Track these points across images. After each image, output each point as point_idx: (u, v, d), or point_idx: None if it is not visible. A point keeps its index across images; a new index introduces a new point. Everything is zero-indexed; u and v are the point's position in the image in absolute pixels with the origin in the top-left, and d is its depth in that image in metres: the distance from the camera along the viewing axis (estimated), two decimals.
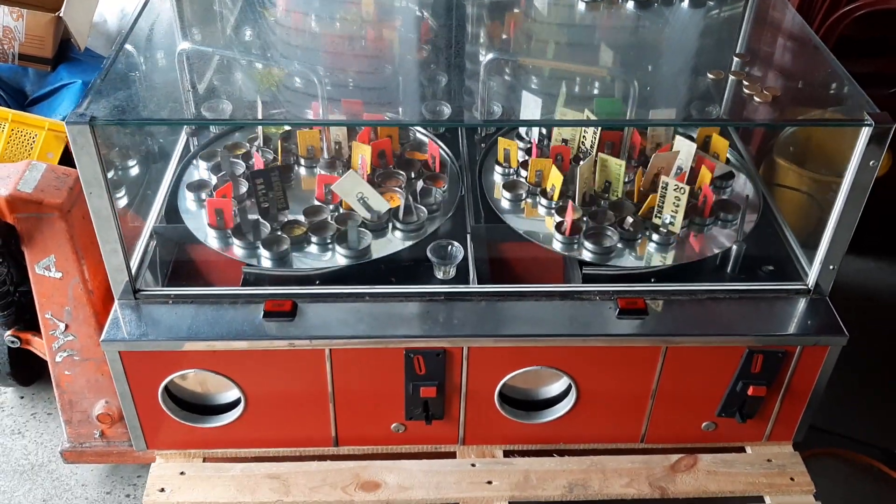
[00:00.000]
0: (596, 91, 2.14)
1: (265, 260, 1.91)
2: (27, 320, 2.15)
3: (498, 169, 2.17)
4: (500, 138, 2.17)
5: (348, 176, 1.96)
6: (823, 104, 1.90)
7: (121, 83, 1.76)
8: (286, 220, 1.99)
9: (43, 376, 2.57)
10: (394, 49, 2.27)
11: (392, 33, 2.31)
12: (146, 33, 2.05)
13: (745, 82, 1.91)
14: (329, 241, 1.94)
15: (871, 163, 1.69)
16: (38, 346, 2.20)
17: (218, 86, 2.08)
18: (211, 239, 1.95)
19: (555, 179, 2.04)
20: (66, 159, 2.18)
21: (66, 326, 1.95)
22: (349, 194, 1.97)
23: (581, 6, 2.28)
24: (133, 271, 1.82)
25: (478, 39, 2.23)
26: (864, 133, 1.66)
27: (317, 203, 2.05)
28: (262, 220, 1.96)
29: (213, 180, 2.09)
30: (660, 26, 2.29)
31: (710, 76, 1.99)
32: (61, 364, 2.02)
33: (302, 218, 2.00)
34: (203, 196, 2.04)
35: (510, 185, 2.11)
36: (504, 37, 2.30)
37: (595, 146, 2.07)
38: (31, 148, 2.23)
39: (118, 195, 1.98)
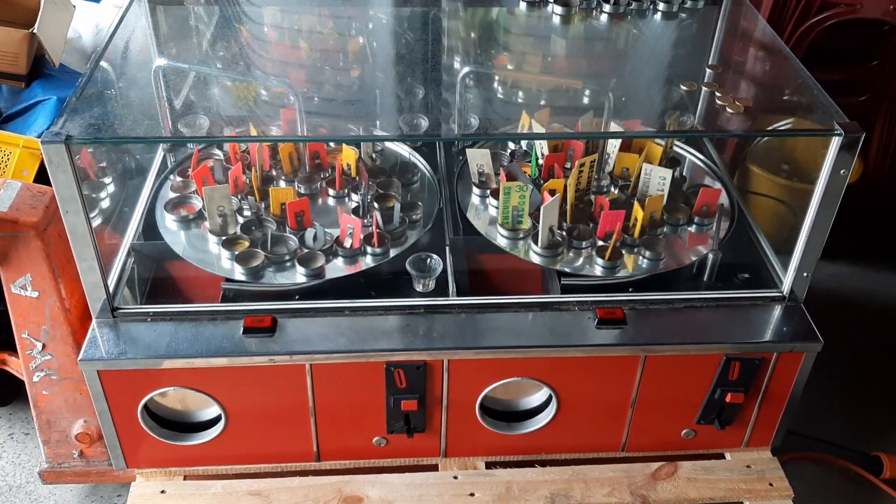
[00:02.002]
0: (573, 103, 2.16)
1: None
2: (3, 340, 2.14)
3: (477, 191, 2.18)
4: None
5: None
6: (795, 114, 1.93)
7: (96, 101, 1.75)
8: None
9: (20, 396, 2.54)
10: (370, 63, 2.28)
11: (369, 47, 2.32)
12: (121, 50, 2.04)
13: (718, 93, 1.94)
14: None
15: (841, 171, 1.72)
16: (15, 365, 2.18)
17: (194, 101, 2.08)
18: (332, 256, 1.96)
19: (637, 213, 2.01)
20: (42, 176, 2.16)
21: (44, 346, 1.94)
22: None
23: (556, 19, 2.31)
24: (111, 289, 1.81)
25: (454, 52, 2.25)
26: (835, 142, 1.69)
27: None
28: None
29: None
30: (634, 38, 2.31)
31: (683, 88, 2.01)
32: (39, 384, 2.00)
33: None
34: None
35: (607, 253, 1.96)
36: (480, 50, 2.32)
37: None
38: (6, 166, 2.21)
39: (94, 213, 1.97)
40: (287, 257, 1.93)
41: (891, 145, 2.93)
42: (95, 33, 2.81)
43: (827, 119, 1.73)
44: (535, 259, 1.98)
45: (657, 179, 2.05)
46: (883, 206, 3.04)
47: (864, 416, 2.64)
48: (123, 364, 1.77)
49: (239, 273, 1.91)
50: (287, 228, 2.01)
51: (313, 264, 1.92)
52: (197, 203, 2.07)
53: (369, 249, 1.97)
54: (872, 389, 2.73)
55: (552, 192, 1.99)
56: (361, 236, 1.96)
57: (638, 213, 1.98)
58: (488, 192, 2.12)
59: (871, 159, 2.95)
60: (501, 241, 2.02)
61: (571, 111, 2.13)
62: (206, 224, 2.01)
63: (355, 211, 2.08)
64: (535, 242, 1.97)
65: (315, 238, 1.96)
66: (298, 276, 1.92)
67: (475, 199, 2.15)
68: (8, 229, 1.77)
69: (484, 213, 2.11)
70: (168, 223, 2.05)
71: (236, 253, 1.93)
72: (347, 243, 1.96)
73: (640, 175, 2.08)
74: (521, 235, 2.02)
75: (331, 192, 2.13)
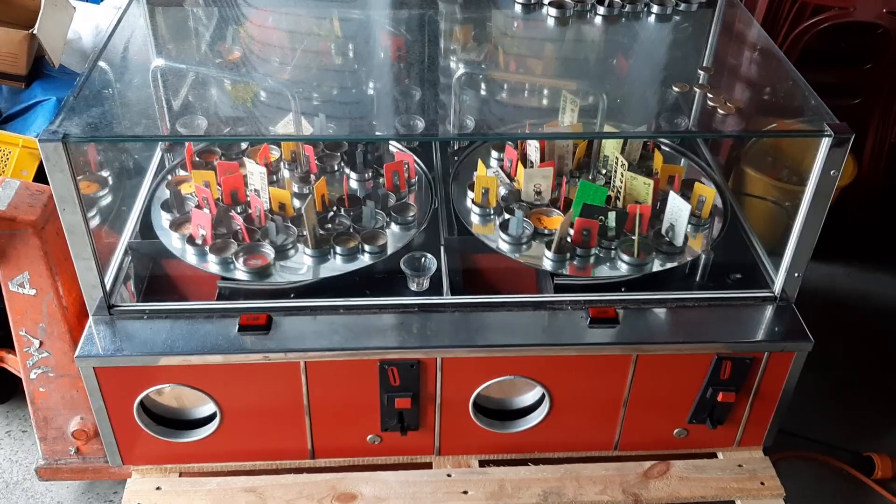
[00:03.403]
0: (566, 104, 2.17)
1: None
2: (1, 337, 2.15)
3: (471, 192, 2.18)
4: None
5: None
6: (786, 115, 1.95)
7: (94, 100, 1.77)
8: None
9: (17, 393, 2.56)
10: (367, 64, 2.29)
11: (365, 48, 2.34)
12: (120, 50, 2.06)
13: (710, 95, 1.95)
14: None
15: (832, 172, 1.73)
16: (13, 363, 2.20)
17: (192, 102, 2.09)
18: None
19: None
20: (42, 177, 2.18)
21: (41, 343, 1.95)
22: None
23: (551, 21, 2.32)
24: (108, 287, 1.83)
25: (450, 54, 2.26)
26: (825, 143, 1.70)
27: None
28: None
29: None
30: (628, 40, 2.33)
31: (675, 89, 2.03)
32: (36, 381, 2.02)
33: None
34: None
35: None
36: (476, 51, 2.34)
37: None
38: (6, 165, 2.23)
39: (92, 211, 1.99)
40: (381, 227, 2.04)
41: (885, 147, 2.95)
42: (95, 34, 2.83)
43: (817, 120, 1.75)
44: (532, 260, 2.00)
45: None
46: (877, 209, 3.06)
47: (856, 416, 2.65)
48: (120, 361, 1.78)
49: (368, 256, 1.98)
50: (343, 210, 2.09)
51: (406, 214, 2.09)
52: (268, 252, 1.96)
53: (412, 182, 2.18)
54: (865, 390, 2.75)
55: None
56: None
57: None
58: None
59: (865, 161, 2.97)
60: (503, 246, 2.03)
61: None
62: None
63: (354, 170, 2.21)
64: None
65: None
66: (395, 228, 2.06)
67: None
68: (6, 227, 1.79)
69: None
70: (164, 222, 2.05)
71: (354, 245, 1.98)
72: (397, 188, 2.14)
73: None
74: (643, 261, 1.98)
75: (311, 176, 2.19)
